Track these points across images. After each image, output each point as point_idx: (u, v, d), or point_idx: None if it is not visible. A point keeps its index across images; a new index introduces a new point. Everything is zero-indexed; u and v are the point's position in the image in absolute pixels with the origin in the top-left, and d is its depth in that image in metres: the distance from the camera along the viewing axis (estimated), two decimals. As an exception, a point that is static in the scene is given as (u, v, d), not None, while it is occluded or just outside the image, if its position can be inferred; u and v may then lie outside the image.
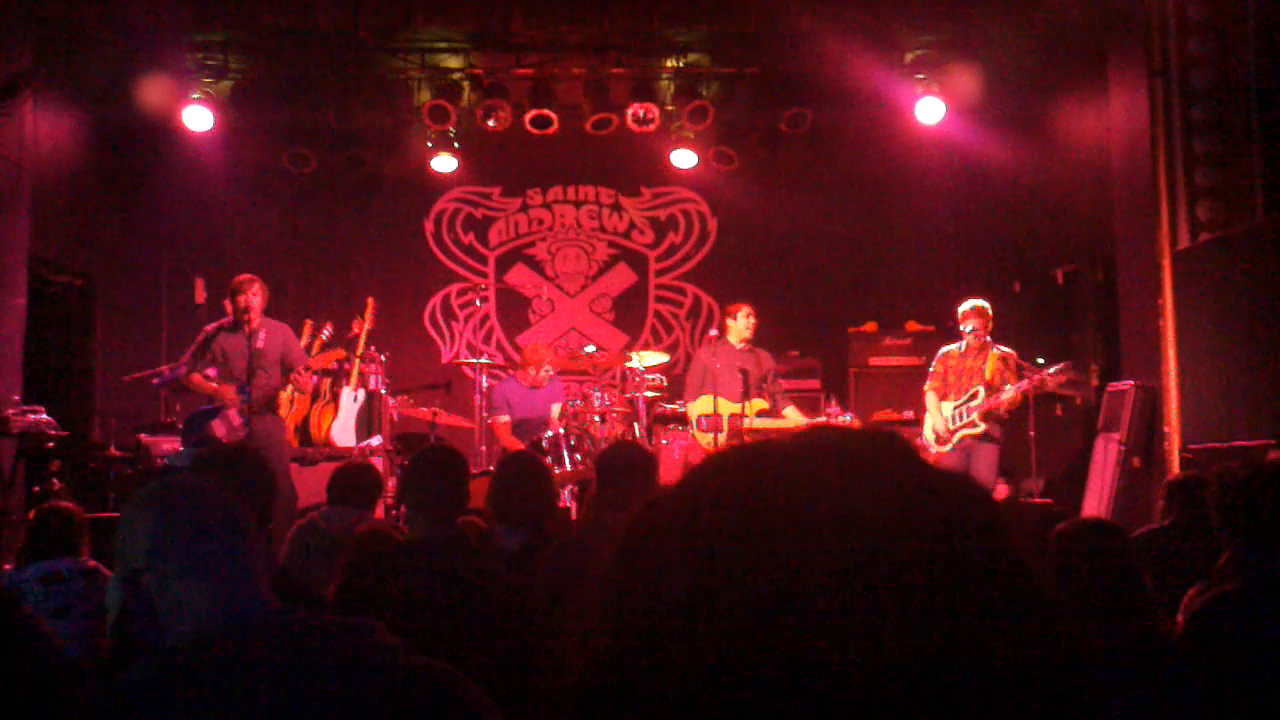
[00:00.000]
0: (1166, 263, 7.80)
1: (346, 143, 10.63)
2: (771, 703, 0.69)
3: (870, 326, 10.81)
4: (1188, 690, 2.84)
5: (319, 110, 10.18)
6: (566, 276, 11.91)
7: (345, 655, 1.77)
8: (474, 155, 11.17)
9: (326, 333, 9.87)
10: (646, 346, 11.10)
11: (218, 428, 7.36)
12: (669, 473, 7.61)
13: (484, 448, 8.86)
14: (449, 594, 3.34)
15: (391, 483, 8.13)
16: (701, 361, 8.83)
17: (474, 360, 9.45)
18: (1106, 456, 8.08)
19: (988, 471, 7.62)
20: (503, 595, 3.42)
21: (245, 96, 10.09)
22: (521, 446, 8.21)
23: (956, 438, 7.73)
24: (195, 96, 9.84)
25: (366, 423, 9.57)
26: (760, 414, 8.58)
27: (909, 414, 9.43)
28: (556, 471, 7.61)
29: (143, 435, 8.83)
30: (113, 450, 8.90)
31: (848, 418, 8.75)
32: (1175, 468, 7.41)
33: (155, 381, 8.89)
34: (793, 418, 8.64)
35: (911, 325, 10.77)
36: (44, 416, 7.68)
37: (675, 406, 9.06)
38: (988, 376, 7.68)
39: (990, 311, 7.83)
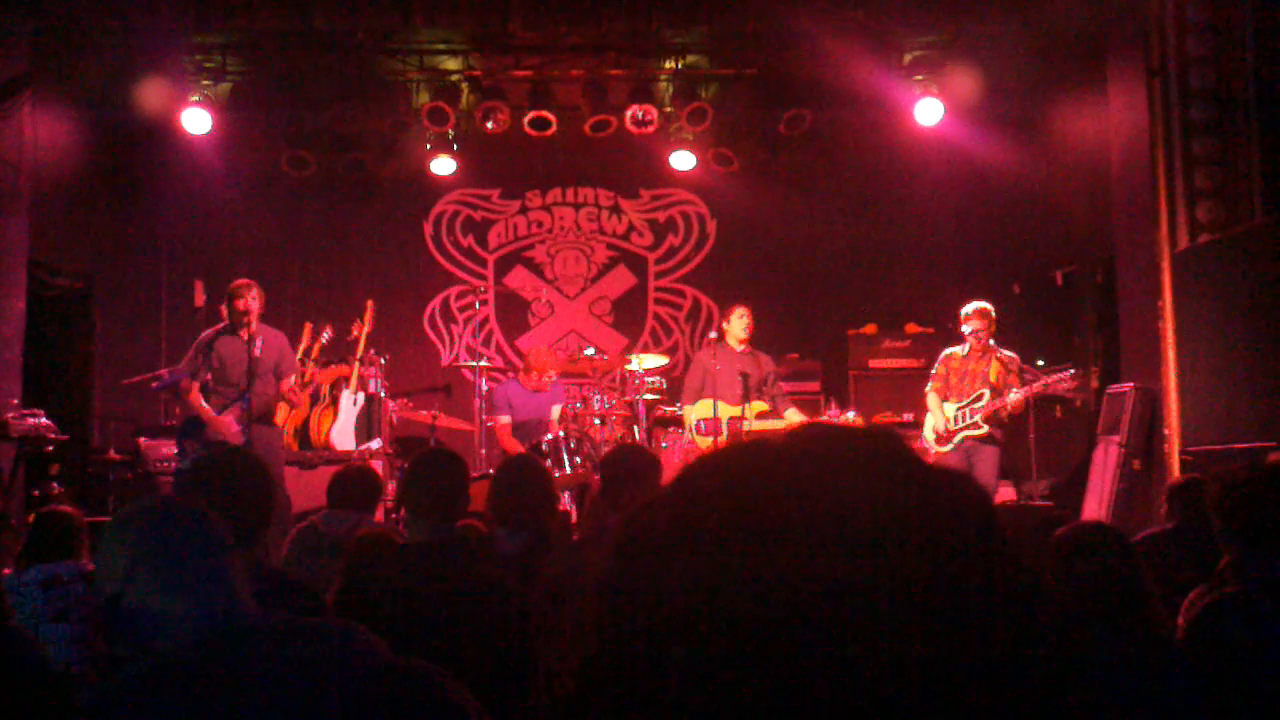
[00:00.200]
0: (1166, 264, 7.80)
1: (345, 145, 10.62)
2: (769, 706, 0.69)
3: (870, 328, 10.81)
4: (1189, 694, 2.84)
5: (318, 113, 10.17)
6: (566, 279, 11.91)
7: (325, 657, 1.78)
8: (473, 157, 11.16)
9: (326, 336, 9.86)
10: (646, 349, 11.09)
11: (214, 433, 7.34)
12: (669, 476, 7.59)
13: (484, 451, 8.85)
14: (449, 597, 3.34)
15: (391, 486, 8.13)
16: (701, 364, 8.83)
17: (474, 363, 9.44)
18: (1107, 459, 8.07)
19: (989, 473, 7.62)
20: (503, 599, 3.41)
21: (244, 99, 10.08)
22: (521, 449, 8.20)
23: (958, 438, 7.73)
24: (194, 99, 9.83)
25: (366, 426, 9.56)
26: (760, 416, 8.57)
27: (908, 416, 9.43)
28: (556, 474, 7.60)
29: (142, 438, 8.83)
30: (112, 454, 8.90)
31: (851, 415, 8.72)
32: (1175, 470, 7.41)
33: (155, 385, 8.88)
34: (794, 420, 8.63)
35: (911, 327, 10.77)
36: (43, 420, 7.68)
37: (674, 409, 9.05)
38: (992, 379, 7.69)
39: (993, 314, 7.83)
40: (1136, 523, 7.19)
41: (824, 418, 8.72)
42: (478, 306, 10.50)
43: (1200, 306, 7.53)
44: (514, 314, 11.83)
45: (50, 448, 7.79)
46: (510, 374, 10.29)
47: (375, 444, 8.91)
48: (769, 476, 0.76)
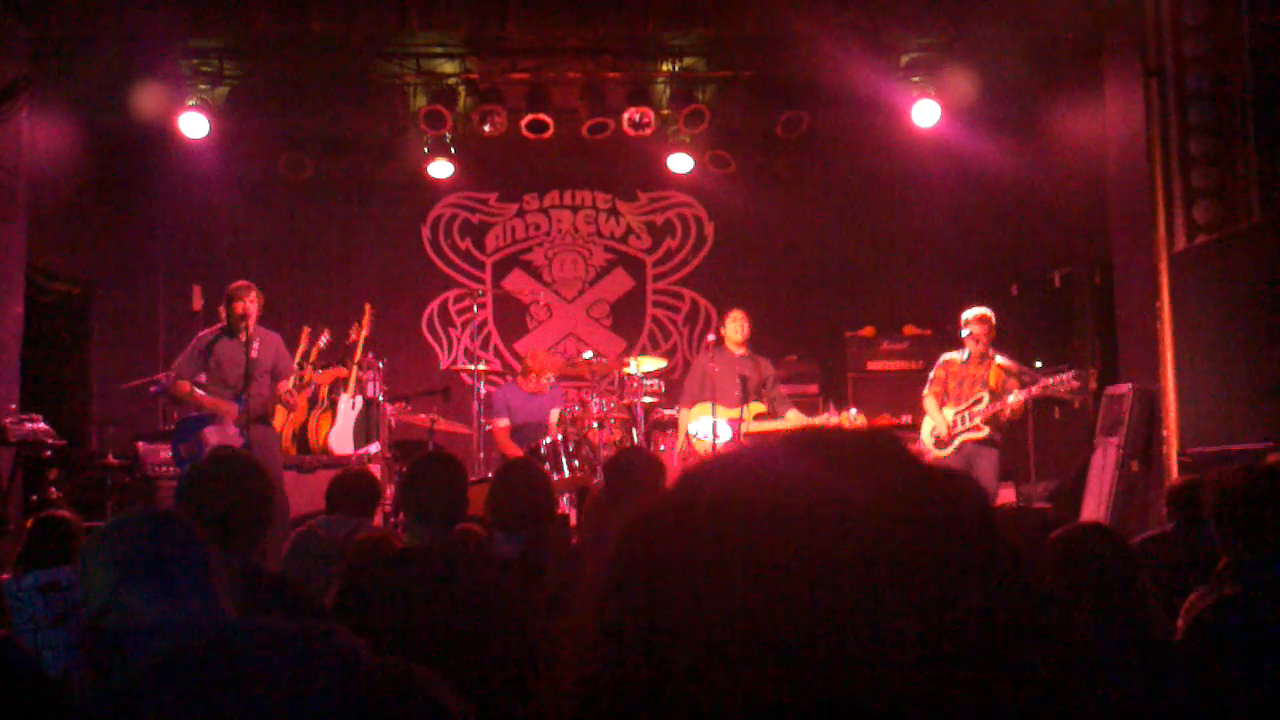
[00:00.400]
0: (1163, 265, 7.80)
1: (342, 148, 10.63)
2: (778, 709, 0.68)
3: (868, 330, 10.81)
4: (1188, 695, 2.84)
5: (315, 116, 10.17)
6: (564, 282, 11.91)
7: (304, 660, 1.78)
8: (470, 160, 11.16)
9: (324, 339, 9.86)
10: (644, 352, 11.09)
11: (211, 436, 7.32)
12: (667, 479, 7.59)
13: (482, 454, 8.85)
14: (448, 601, 3.34)
15: (390, 490, 8.12)
16: (700, 368, 8.82)
17: (472, 367, 9.44)
18: (1105, 460, 8.07)
19: (990, 476, 7.62)
20: (502, 602, 3.41)
21: (241, 103, 10.08)
22: (520, 452, 8.20)
23: (958, 440, 7.73)
24: (191, 103, 9.83)
25: (364, 430, 9.56)
26: (758, 418, 8.56)
27: (907, 418, 9.42)
28: (555, 478, 7.60)
29: (140, 443, 8.82)
30: (110, 458, 8.89)
31: (853, 413, 8.70)
32: (1174, 471, 7.40)
33: (153, 389, 8.87)
34: (794, 421, 8.62)
35: (909, 329, 10.77)
36: (41, 425, 7.68)
37: (672, 412, 9.05)
38: (991, 384, 7.70)
39: (993, 320, 7.84)
40: (1135, 524, 7.20)
41: (823, 418, 8.71)
42: (475, 310, 10.49)
43: (1198, 307, 7.53)
44: (512, 317, 11.83)
45: (48, 453, 7.78)
46: (509, 377, 10.29)
47: (373, 448, 8.90)
48: (771, 480, 0.76)
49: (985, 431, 7.65)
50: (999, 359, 7.81)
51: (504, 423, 8.93)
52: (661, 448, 8.99)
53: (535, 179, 11.81)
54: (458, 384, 10.53)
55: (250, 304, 7.46)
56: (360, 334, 9.85)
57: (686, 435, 8.68)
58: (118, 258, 10.75)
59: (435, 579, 3.40)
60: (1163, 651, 2.89)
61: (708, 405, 8.46)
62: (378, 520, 6.25)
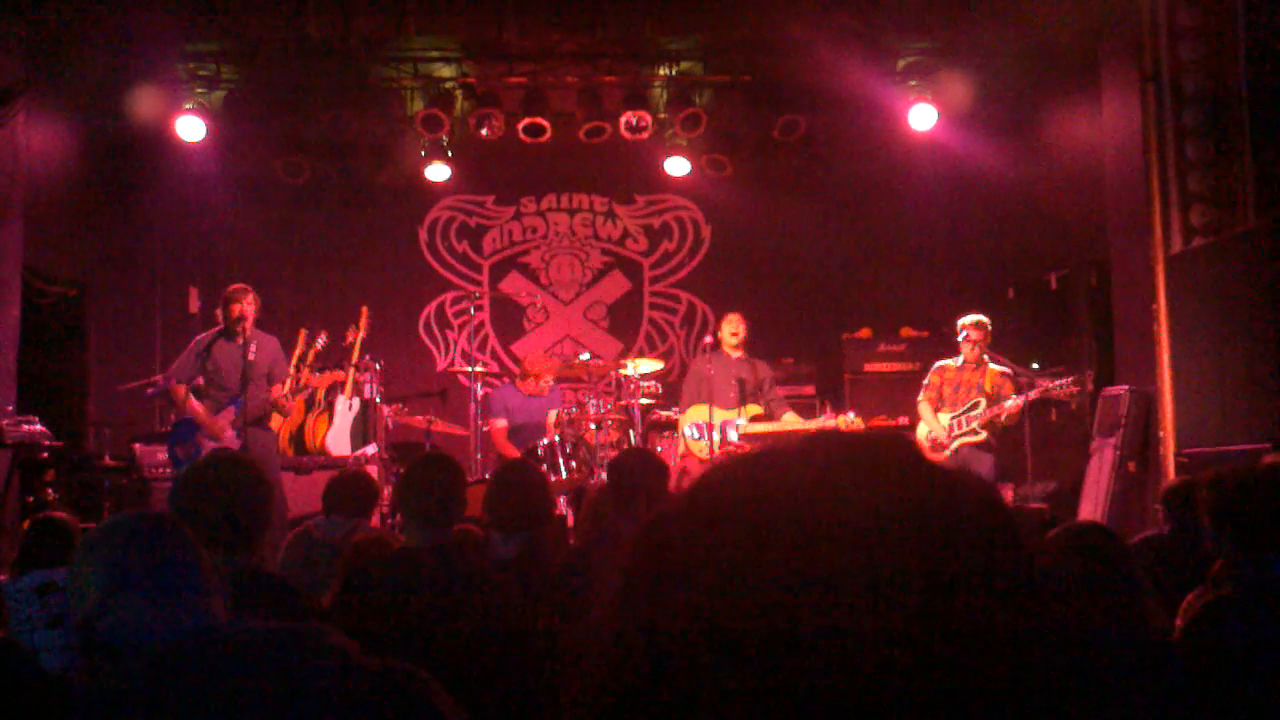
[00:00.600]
0: (1160, 267, 7.81)
1: (340, 152, 10.63)
2: (802, 708, 0.69)
3: (865, 333, 10.82)
4: (1186, 696, 2.84)
5: (312, 120, 10.17)
6: (561, 284, 11.91)
7: (295, 660, 1.79)
8: (467, 164, 11.17)
9: (321, 342, 9.85)
10: (641, 354, 11.09)
11: (207, 438, 7.32)
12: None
13: (480, 456, 8.85)
14: (446, 602, 3.34)
15: (387, 491, 8.11)
16: (697, 371, 8.82)
17: (469, 368, 9.44)
18: (1102, 461, 8.08)
19: (988, 479, 7.63)
20: (499, 603, 3.41)
21: (238, 106, 10.08)
22: (517, 454, 8.20)
23: (955, 444, 7.74)
24: (188, 106, 9.84)
25: (361, 431, 9.55)
26: (754, 420, 8.57)
27: (904, 420, 9.43)
28: (552, 479, 7.60)
29: (137, 445, 8.82)
30: (107, 460, 8.88)
31: (851, 415, 8.71)
32: (1171, 472, 7.42)
33: (149, 391, 8.87)
34: (791, 424, 8.62)
35: (906, 331, 10.78)
36: (38, 427, 7.67)
37: (671, 412, 9.05)
38: (988, 390, 7.71)
39: (989, 326, 7.85)
40: (1132, 525, 7.20)
41: (820, 420, 8.71)
42: (473, 312, 10.49)
43: (1194, 309, 7.54)
44: (509, 319, 11.83)
45: (45, 454, 7.78)
46: (506, 379, 10.29)
47: (371, 449, 8.90)
48: (790, 485, 0.76)
49: (982, 435, 7.67)
50: (993, 365, 7.83)
51: (501, 424, 8.93)
52: (659, 449, 8.99)
53: (532, 182, 11.82)
54: (455, 385, 10.53)
55: (247, 306, 7.46)
56: (357, 336, 9.84)
57: (684, 437, 8.69)
58: (115, 260, 10.74)
59: (433, 580, 3.40)
60: (1161, 651, 2.89)
61: (704, 407, 8.47)
62: (375, 521, 6.24)
